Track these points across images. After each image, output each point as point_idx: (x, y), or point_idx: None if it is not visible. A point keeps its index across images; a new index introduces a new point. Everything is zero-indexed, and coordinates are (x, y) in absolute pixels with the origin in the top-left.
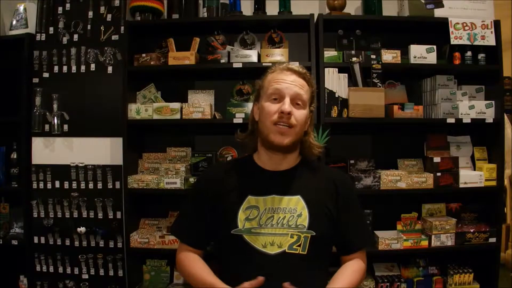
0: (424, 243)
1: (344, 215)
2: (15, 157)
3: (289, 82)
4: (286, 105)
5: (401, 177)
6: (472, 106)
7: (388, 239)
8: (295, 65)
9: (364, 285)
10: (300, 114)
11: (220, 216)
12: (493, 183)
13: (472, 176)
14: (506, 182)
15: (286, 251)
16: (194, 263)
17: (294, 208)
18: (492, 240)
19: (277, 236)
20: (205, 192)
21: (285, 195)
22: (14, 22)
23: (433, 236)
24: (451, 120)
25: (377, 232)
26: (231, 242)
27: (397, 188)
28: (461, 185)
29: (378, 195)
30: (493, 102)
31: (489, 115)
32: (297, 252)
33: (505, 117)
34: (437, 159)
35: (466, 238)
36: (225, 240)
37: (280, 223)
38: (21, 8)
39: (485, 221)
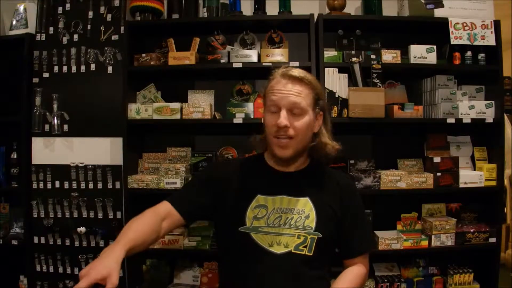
0: (424, 243)
1: (348, 217)
2: (15, 157)
3: (284, 92)
4: (282, 118)
5: (401, 177)
6: (472, 106)
7: (388, 239)
8: (293, 70)
9: (364, 285)
10: (299, 123)
11: (228, 213)
12: (493, 183)
13: (472, 176)
14: (506, 182)
15: (292, 251)
16: (141, 219)
17: (302, 209)
18: (492, 240)
19: (284, 236)
20: (214, 178)
21: (294, 196)
22: (14, 22)
23: (433, 236)
24: (451, 120)
25: (377, 232)
26: (238, 240)
27: (397, 188)
28: (461, 185)
29: (378, 195)
30: (493, 102)
31: (489, 115)
32: (303, 253)
33: (505, 117)
34: (437, 159)
35: (466, 238)
36: (231, 237)
37: (288, 223)
38: (21, 8)
39: (485, 221)
